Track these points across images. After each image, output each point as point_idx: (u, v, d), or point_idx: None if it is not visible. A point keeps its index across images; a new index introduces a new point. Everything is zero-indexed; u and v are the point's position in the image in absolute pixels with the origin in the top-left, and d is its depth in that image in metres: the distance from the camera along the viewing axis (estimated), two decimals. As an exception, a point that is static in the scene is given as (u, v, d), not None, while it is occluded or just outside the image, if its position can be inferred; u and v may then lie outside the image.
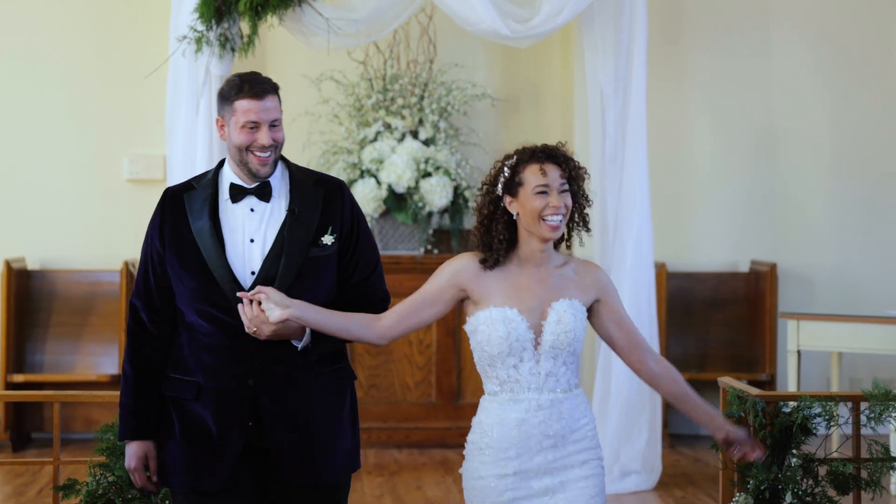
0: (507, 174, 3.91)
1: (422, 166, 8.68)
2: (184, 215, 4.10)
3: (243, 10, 7.27)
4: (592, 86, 7.66)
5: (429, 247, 8.74)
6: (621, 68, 7.55)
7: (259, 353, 4.01)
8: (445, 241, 8.86)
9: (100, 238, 8.89)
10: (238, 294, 3.93)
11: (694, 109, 9.18)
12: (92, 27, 8.93)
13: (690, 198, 9.13)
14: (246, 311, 3.90)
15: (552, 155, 3.92)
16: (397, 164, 8.61)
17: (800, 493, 5.31)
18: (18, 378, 8.41)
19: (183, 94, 7.37)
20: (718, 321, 8.99)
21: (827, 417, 5.41)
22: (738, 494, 5.39)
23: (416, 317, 3.96)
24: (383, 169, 8.63)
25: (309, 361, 4.05)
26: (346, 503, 4.21)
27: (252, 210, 4.08)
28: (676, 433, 8.86)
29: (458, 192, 8.76)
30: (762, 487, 5.31)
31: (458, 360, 8.53)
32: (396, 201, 8.68)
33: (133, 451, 4.15)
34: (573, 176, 3.92)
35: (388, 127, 8.84)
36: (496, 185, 3.93)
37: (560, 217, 3.89)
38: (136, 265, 8.62)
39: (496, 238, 3.89)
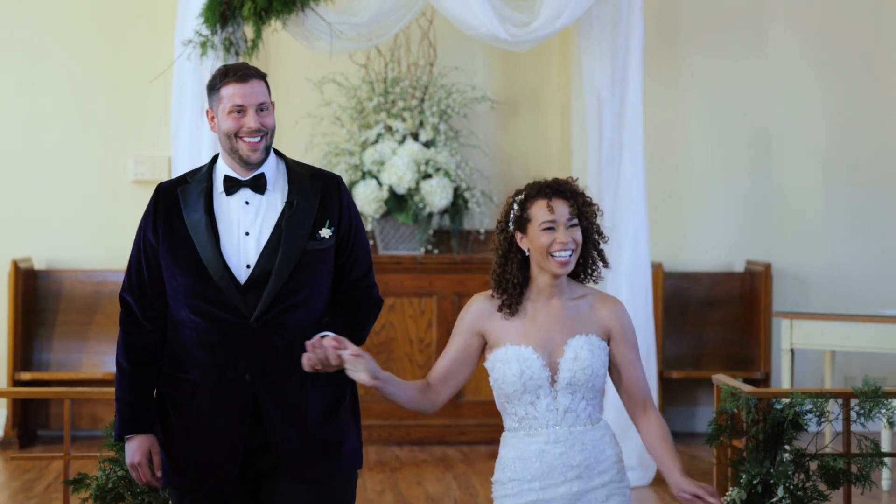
0: (516, 210, 3.86)
1: (422, 168, 8.76)
2: (178, 210, 4.02)
3: (247, 15, 7.36)
4: (590, 89, 7.75)
5: (429, 247, 8.83)
6: (618, 72, 7.65)
7: (255, 348, 3.94)
8: (445, 242, 8.94)
9: (105, 238, 8.96)
10: (341, 352, 3.80)
11: (690, 112, 9.26)
12: (98, 31, 9.00)
13: (687, 199, 9.21)
14: (316, 352, 3.80)
15: (560, 190, 3.86)
16: (398, 165, 8.69)
17: (791, 487, 5.40)
18: (26, 376, 8.51)
19: (188, 98, 7.46)
20: (714, 320, 9.09)
21: (818, 414, 5.54)
22: (731, 489, 5.47)
23: (455, 379, 3.93)
24: (384, 170, 8.71)
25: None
26: (353, 499, 4.14)
27: (247, 203, 4.00)
28: (673, 430, 8.83)
29: (457, 194, 8.84)
30: (754, 482, 5.41)
31: None
32: (397, 202, 8.75)
33: (136, 446, 4.05)
34: (583, 212, 3.87)
35: (389, 129, 8.91)
36: (508, 221, 3.88)
37: (569, 252, 3.84)
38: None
39: (511, 281, 3.87)
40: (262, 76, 4.03)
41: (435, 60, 9.09)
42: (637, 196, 7.63)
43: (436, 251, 8.85)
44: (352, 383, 4.10)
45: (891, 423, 5.56)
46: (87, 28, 9.00)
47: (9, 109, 8.98)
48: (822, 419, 5.52)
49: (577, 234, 3.85)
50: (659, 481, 7.64)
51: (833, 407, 5.65)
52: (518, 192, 3.90)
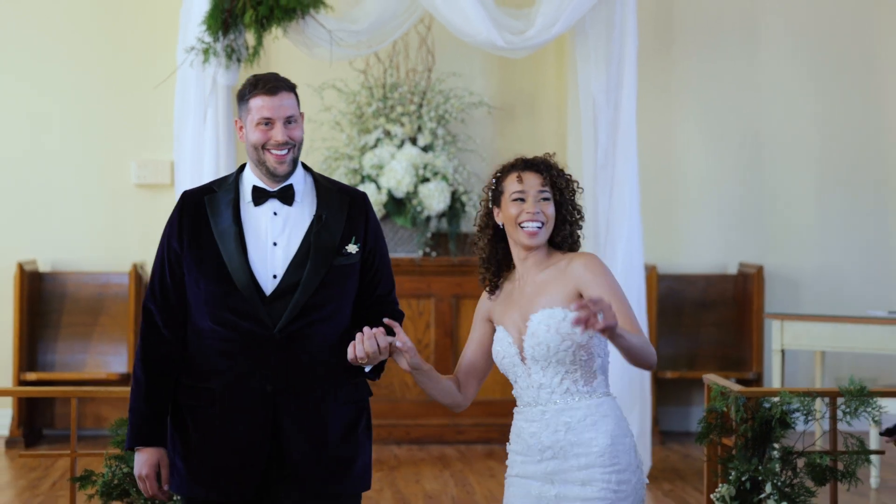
0: (492, 185, 3.90)
1: (420, 172, 8.84)
2: (204, 218, 3.97)
3: (249, 23, 7.45)
4: (585, 95, 7.81)
5: (427, 250, 8.92)
6: (613, 78, 7.72)
7: (277, 360, 3.89)
8: (443, 245, 9.02)
9: (109, 241, 9.05)
10: (388, 324, 3.79)
11: (684, 116, 9.34)
12: (102, 37, 9.09)
13: (681, 202, 9.31)
14: (365, 343, 3.76)
15: (531, 163, 3.87)
16: (397, 169, 8.78)
17: (779, 484, 5.49)
18: (31, 376, 8.60)
19: (191, 103, 7.55)
20: (708, 322, 9.18)
21: (805, 412, 5.65)
22: (720, 485, 5.58)
23: (477, 370, 3.96)
24: (383, 174, 8.79)
25: (329, 371, 3.94)
26: None
27: (275, 213, 3.97)
28: (667, 430, 9.05)
29: (455, 197, 8.93)
30: (743, 479, 5.51)
31: (455, 359, 8.58)
32: (396, 206, 8.84)
33: (145, 459, 3.99)
34: (556, 185, 3.85)
35: (387, 134, 9.00)
36: (488, 199, 3.92)
37: (538, 224, 3.81)
38: (145, 267, 8.87)
39: (488, 256, 3.92)
40: (291, 88, 3.99)
41: (433, 66, 9.18)
42: (631, 199, 7.71)
43: (434, 254, 8.94)
44: (368, 405, 4.08)
45: (876, 422, 5.65)
46: (91, 35, 9.09)
47: (15, 114, 9.07)
48: (810, 417, 5.65)
49: (549, 208, 3.83)
50: (651, 478, 7.69)
51: (822, 406, 5.76)
52: (496, 170, 3.93)
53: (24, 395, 8.19)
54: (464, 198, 8.94)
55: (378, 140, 8.99)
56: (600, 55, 7.76)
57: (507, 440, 3.97)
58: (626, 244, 7.71)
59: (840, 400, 5.65)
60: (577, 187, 3.93)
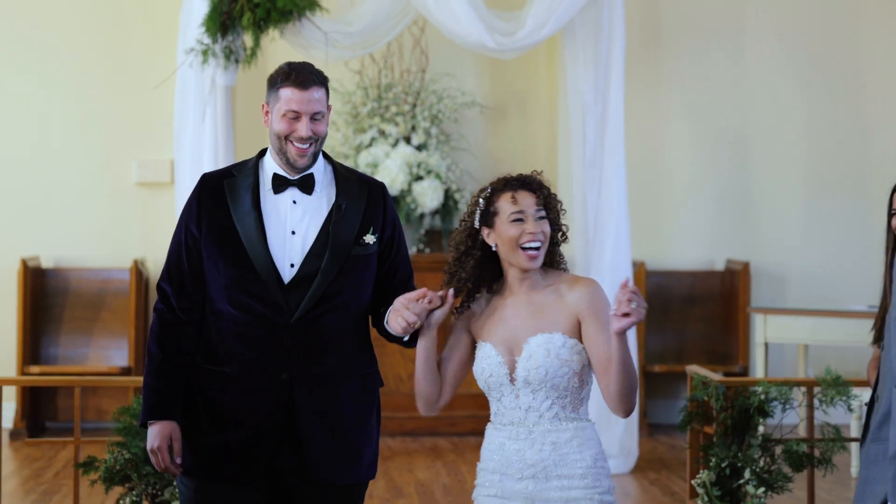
0: (482, 206, 3.77)
1: (414, 170, 8.98)
2: (223, 202, 3.93)
3: (247, 25, 7.60)
4: (574, 95, 7.96)
5: (421, 246, 9.07)
6: (601, 78, 7.86)
7: (294, 347, 3.88)
8: (437, 241, 9.16)
9: (110, 238, 9.17)
10: (436, 296, 3.73)
11: (672, 115, 9.46)
12: (104, 39, 9.21)
13: (669, 200, 9.43)
14: (411, 308, 3.73)
15: (525, 182, 3.77)
16: (391, 168, 8.91)
17: (757, 470, 5.67)
18: (34, 370, 8.75)
19: (190, 103, 7.70)
20: (695, 317, 9.32)
21: (783, 401, 5.83)
22: (701, 471, 5.76)
23: (449, 375, 3.83)
24: (378, 172, 8.91)
25: (343, 361, 3.93)
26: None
27: (294, 202, 3.94)
28: (656, 423, 9.19)
29: (448, 195, 9.07)
30: (723, 465, 5.70)
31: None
32: None
33: (157, 431, 3.92)
34: (548, 204, 3.77)
35: (382, 133, 9.13)
36: (473, 219, 3.78)
37: (538, 244, 3.73)
38: (146, 263, 9.03)
39: (461, 274, 3.79)
40: (323, 82, 3.97)
41: (427, 67, 9.30)
42: (618, 197, 7.84)
43: (427, 250, 9.07)
44: (378, 395, 4.06)
45: (851, 410, 5.82)
46: (93, 37, 9.21)
47: (20, 114, 9.20)
48: (787, 406, 5.83)
49: (546, 227, 3.75)
50: (638, 468, 7.91)
51: (801, 396, 5.92)
52: (483, 189, 3.81)
53: (29, 383, 8.36)
54: (456, 195, 9.06)
55: (373, 139, 9.12)
56: (588, 56, 7.88)
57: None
58: (615, 241, 7.84)
59: (817, 389, 5.85)
60: (561, 207, 3.85)
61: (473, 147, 9.39)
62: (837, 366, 6.25)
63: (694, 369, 6.16)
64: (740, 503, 5.70)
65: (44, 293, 9.05)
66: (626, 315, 3.50)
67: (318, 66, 8.09)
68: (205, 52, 7.60)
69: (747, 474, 5.69)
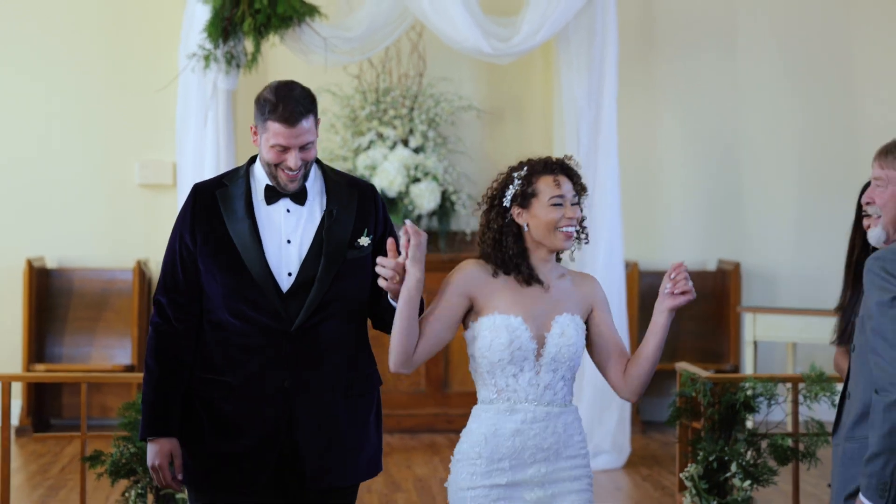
0: (518, 185, 3.75)
1: (412, 172, 9.08)
2: (217, 213, 3.91)
3: (248, 30, 7.70)
4: (568, 98, 8.06)
5: None
6: (594, 82, 7.98)
7: (295, 355, 3.87)
8: (433, 242, 9.19)
9: (113, 238, 9.28)
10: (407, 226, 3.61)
11: (665, 118, 9.54)
12: (108, 43, 9.31)
13: (661, 201, 9.52)
14: (388, 263, 3.64)
15: (565, 168, 3.79)
16: (389, 170, 9.01)
17: (744, 463, 5.83)
18: (39, 368, 8.87)
19: (192, 107, 7.82)
20: (688, 316, 9.37)
21: (768, 397, 5.98)
22: (689, 465, 5.93)
23: (436, 338, 3.72)
24: (376, 175, 9.02)
25: (343, 365, 3.92)
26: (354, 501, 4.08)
27: (288, 211, 3.93)
28: (649, 420, 9.28)
29: (445, 197, 9.17)
30: (710, 459, 5.86)
31: (446, 351, 8.82)
32: (388, 204, 9.03)
33: (157, 449, 3.92)
34: (578, 191, 3.81)
35: (380, 136, 9.22)
36: (503, 196, 3.77)
37: (574, 228, 3.75)
38: (149, 264, 9.16)
39: (507, 252, 3.75)
40: (310, 110, 3.89)
41: (424, 71, 9.38)
42: (612, 198, 7.96)
43: None
44: (378, 394, 4.05)
45: (834, 405, 5.94)
46: (97, 41, 9.31)
47: (25, 117, 9.30)
48: (773, 402, 5.98)
49: (579, 213, 3.78)
50: (631, 463, 8.04)
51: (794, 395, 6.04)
52: (516, 168, 3.78)
53: (38, 379, 8.47)
54: (453, 197, 9.16)
55: (371, 142, 9.21)
56: (582, 61, 8.00)
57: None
58: (608, 241, 7.96)
59: (801, 385, 6.01)
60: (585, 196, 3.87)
61: (470, 150, 9.48)
62: (824, 363, 6.33)
63: (683, 366, 6.30)
64: (727, 496, 5.83)
65: (48, 293, 9.15)
66: (683, 293, 3.64)
67: (317, 70, 8.38)
68: (206, 57, 7.70)
69: (734, 468, 5.83)
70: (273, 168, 3.88)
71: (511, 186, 3.75)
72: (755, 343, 8.31)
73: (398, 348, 3.66)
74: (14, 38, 9.32)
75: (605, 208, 7.97)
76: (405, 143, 9.26)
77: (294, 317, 3.87)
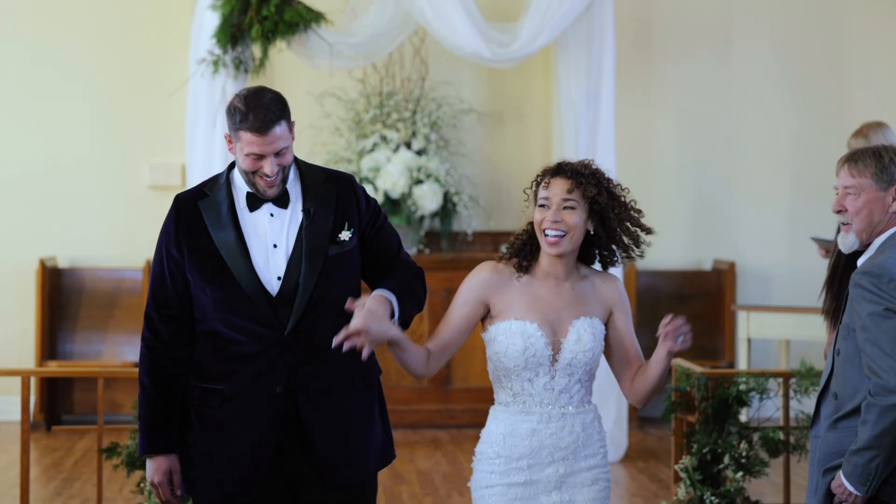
0: (533, 188, 3.84)
1: (414, 174, 9.17)
2: (201, 224, 3.83)
3: (256, 36, 7.83)
4: (567, 102, 8.18)
5: (421, 247, 9.28)
6: (592, 86, 8.10)
7: (290, 360, 3.81)
8: (436, 242, 9.37)
9: (124, 239, 9.38)
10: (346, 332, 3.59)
11: (661, 120, 9.63)
12: (120, 50, 9.43)
13: (658, 201, 9.53)
14: (355, 339, 3.61)
15: (560, 169, 3.77)
16: (392, 172, 9.11)
17: (736, 455, 5.92)
18: (52, 365, 8.99)
19: (201, 111, 7.94)
20: (684, 314, 9.46)
21: (760, 391, 6.12)
22: (684, 457, 6.01)
23: (455, 347, 3.78)
24: (380, 177, 9.13)
25: (341, 363, 3.83)
26: (375, 497, 4.03)
27: (272, 215, 3.86)
28: (646, 416, 9.35)
29: (447, 198, 9.26)
30: (704, 451, 5.95)
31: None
32: (392, 206, 9.14)
33: (156, 467, 3.89)
34: (586, 193, 3.72)
35: (384, 139, 9.32)
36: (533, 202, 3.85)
37: (558, 233, 3.70)
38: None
39: (524, 249, 3.81)
40: (280, 116, 3.81)
41: (426, 76, 9.48)
42: (609, 199, 8.09)
43: (427, 251, 9.27)
44: (380, 383, 4.02)
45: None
46: (109, 46, 9.41)
47: (37, 121, 9.40)
48: (764, 396, 6.13)
49: (572, 217, 3.72)
50: (628, 458, 8.18)
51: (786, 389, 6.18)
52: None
53: (53, 374, 8.59)
54: (455, 198, 9.24)
55: (375, 145, 9.30)
56: (581, 65, 8.11)
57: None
58: (606, 241, 8.10)
59: (792, 380, 6.12)
60: (620, 191, 3.79)
61: (471, 152, 9.56)
62: (817, 360, 6.35)
63: (677, 361, 6.43)
64: (720, 487, 5.92)
65: (60, 292, 9.27)
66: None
67: (323, 74, 8.52)
68: (215, 63, 7.82)
69: (727, 460, 5.93)
70: (251, 175, 3.82)
71: (533, 193, 3.83)
72: (749, 340, 8.45)
73: (409, 370, 3.75)
74: (30, 46, 9.40)
75: (603, 209, 8.05)
76: (408, 145, 9.34)
77: (286, 321, 3.81)
